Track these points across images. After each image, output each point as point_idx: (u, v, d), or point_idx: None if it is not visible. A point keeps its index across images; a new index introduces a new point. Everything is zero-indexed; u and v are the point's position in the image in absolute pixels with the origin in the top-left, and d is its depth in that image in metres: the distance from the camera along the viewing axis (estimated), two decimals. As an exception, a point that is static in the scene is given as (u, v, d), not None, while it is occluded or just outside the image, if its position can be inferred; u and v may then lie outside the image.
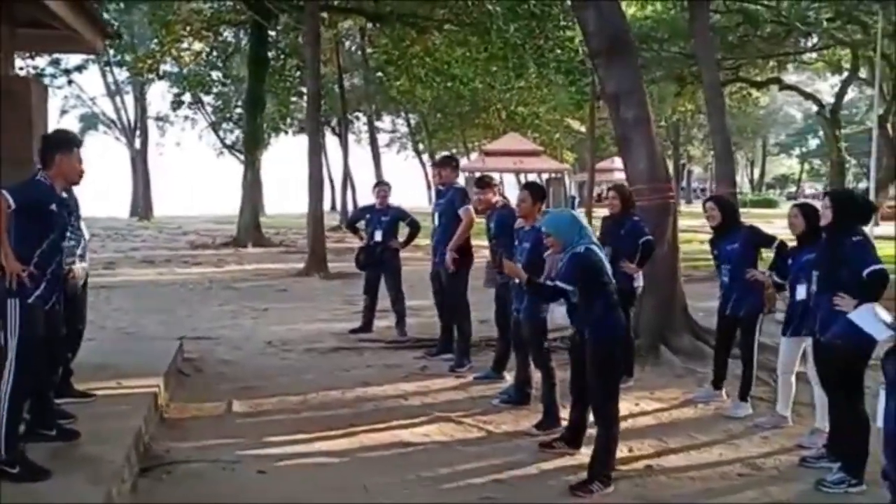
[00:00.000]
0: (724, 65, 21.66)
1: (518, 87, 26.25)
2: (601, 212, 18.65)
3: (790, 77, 32.49)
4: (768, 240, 6.23)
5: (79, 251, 5.21)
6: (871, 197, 20.99)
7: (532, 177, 47.99)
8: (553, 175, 43.98)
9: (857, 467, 4.57)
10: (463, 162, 48.44)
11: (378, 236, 9.04)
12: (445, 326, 7.94)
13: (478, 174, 7.30)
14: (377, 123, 41.28)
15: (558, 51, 18.82)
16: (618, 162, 42.59)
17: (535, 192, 6.01)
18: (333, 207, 38.79)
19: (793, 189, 67.49)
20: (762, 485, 4.79)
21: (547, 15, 18.08)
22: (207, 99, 32.56)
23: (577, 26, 16.99)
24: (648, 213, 7.71)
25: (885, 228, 25.66)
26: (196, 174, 59.04)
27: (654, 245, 6.97)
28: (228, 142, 41.23)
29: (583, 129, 36.68)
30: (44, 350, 4.25)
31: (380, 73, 29.80)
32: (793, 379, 5.72)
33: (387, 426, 5.75)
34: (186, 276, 15.10)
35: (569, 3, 16.32)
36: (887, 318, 3.19)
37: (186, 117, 39.35)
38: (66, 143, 4.39)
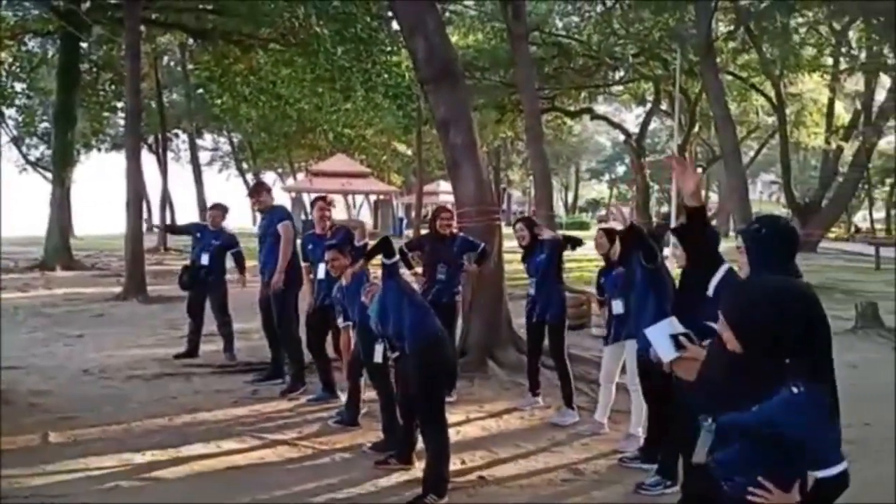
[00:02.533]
0: (541, 94, 22.85)
1: (345, 108, 26.29)
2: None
3: (600, 107, 34.77)
4: (572, 241, 6.94)
5: None
6: (672, 220, 22.88)
7: (359, 199, 48.27)
8: (381, 197, 44.44)
9: (671, 470, 4.99)
10: (289, 182, 47.87)
11: (205, 259, 8.81)
12: (275, 350, 7.85)
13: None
14: (198, 141, 39.94)
15: (385, 75, 19.07)
16: (444, 185, 43.80)
17: (342, 250, 6.19)
18: (150, 228, 37.03)
19: (603, 212, 72.00)
20: (586, 489, 5.11)
21: (374, 39, 18.31)
22: (9, 112, 30.12)
23: (403, 51, 17.42)
24: (475, 234, 8.02)
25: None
26: (-7, 192, 54.40)
27: (490, 249, 7.31)
28: (33, 158, 38.28)
29: (410, 152, 37.39)
30: None
31: (201, 90, 28.90)
32: (613, 388, 6.17)
33: (218, 451, 5.62)
34: (-13, 303, 13.87)
35: (397, 29, 16.71)
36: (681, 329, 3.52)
37: (-17, 131, 36.18)
38: None
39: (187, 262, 9.10)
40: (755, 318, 2.27)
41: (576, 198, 74.86)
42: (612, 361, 6.08)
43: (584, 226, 49.95)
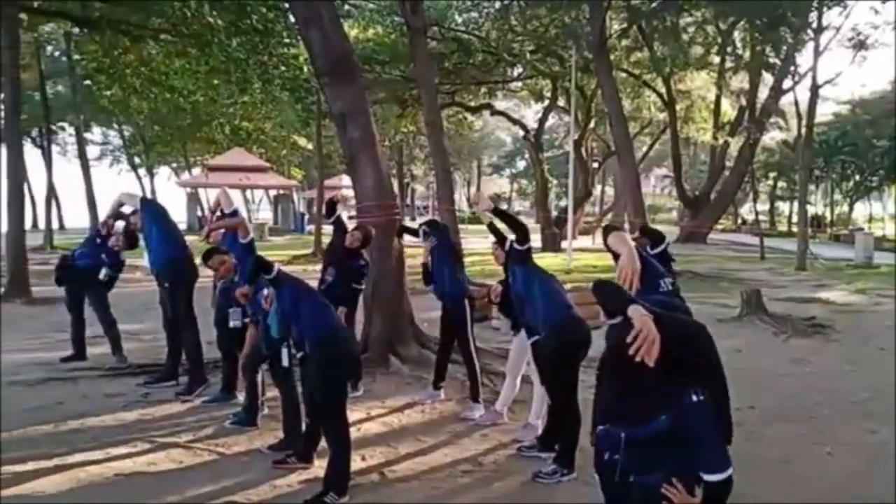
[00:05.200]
0: (441, 89, 22.92)
1: (242, 102, 25.65)
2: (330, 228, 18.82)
3: (500, 103, 35.11)
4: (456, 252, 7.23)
5: None
6: (570, 213, 23.40)
7: (259, 194, 47.34)
8: (281, 192, 43.66)
9: (568, 458, 5.09)
10: (184, 177, 46.45)
11: (83, 263, 8.44)
12: (172, 350, 7.59)
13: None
14: (86, 135, 38.19)
15: (283, 68, 18.72)
16: (346, 180, 43.36)
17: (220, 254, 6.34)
18: (35, 226, 35.34)
19: (504, 206, 73.03)
20: (485, 480, 5.15)
21: (271, 31, 17.93)
22: None
23: (301, 44, 17.15)
24: (375, 229, 7.99)
25: (584, 242, 28.71)
26: None
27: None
28: None
29: (310, 146, 36.86)
30: None
31: (89, 82, 27.64)
32: (518, 380, 6.22)
33: (107, 457, 5.39)
34: None
35: (293, 21, 16.42)
36: None
37: None
38: None
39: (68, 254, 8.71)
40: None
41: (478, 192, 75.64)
42: (518, 352, 6.12)
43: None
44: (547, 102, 29.89)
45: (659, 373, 2.29)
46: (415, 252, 9.43)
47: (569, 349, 5.15)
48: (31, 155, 33.27)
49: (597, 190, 45.86)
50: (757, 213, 34.75)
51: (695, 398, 2.37)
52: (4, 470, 5.06)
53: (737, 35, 25.47)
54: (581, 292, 8.92)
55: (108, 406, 6.74)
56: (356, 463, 5.12)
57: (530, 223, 5.87)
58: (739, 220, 47.65)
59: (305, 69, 18.09)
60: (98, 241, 8.39)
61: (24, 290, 13.87)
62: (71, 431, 6.02)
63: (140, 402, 6.91)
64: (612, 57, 21.50)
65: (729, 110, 34.18)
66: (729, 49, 26.12)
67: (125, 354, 8.45)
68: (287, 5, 16.90)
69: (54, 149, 32.66)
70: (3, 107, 19.67)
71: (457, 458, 5.54)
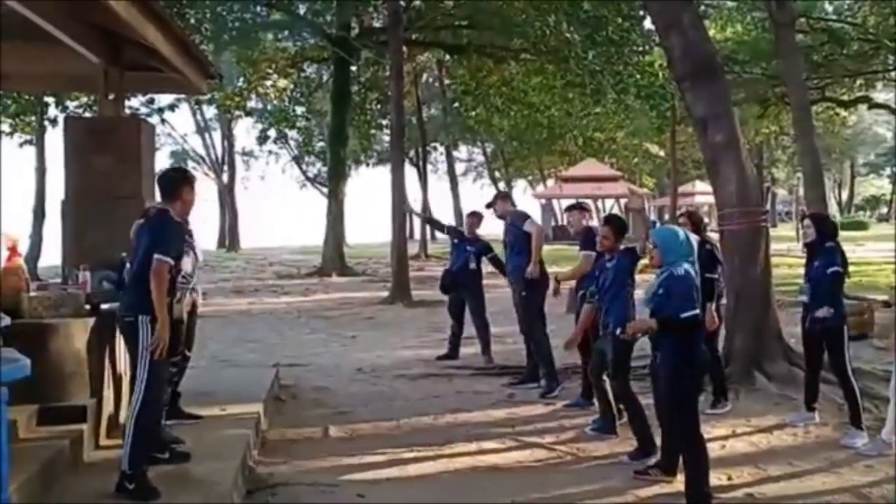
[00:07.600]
0: (809, 84, 21.11)
1: (595, 113, 26.18)
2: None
3: (879, 95, 31.39)
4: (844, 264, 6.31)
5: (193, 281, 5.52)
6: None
7: (609, 203, 47.79)
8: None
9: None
10: (539, 189, 48.46)
11: (457, 266, 9.24)
12: (531, 354, 7.95)
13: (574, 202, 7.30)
14: (454, 153, 41.71)
15: (637, 76, 18.74)
16: (699, 185, 41.92)
17: (617, 226, 6.06)
18: (411, 236, 39.30)
19: (884, 210, 64.96)
20: (871, 516, 4.64)
21: (626, 41, 18.05)
22: (291, 133, 33.44)
23: (657, 50, 17.00)
24: (738, 237, 7.63)
25: None
26: (279, 206, 60.84)
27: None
28: (311, 174, 42.28)
29: (661, 153, 36.29)
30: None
31: (457, 104, 30.19)
32: None
33: (479, 451, 5.81)
34: (275, 306, 15.54)
35: (650, 28, 16.34)
36: None
37: (271, 152, 40.41)
38: (189, 178, 4.80)
39: (447, 266, 9.59)
40: None
41: (851, 195, 68.30)
42: None
43: (861, 226, 45.46)
44: (940, 91, 26.09)
45: None
46: (779, 261, 8.83)
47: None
48: (409, 173, 37.07)
49: None
50: None
51: None
52: (396, 455, 5.69)
53: None
54: None
55: (478, 403, 7.25)
56: (722, 481, 4.92)
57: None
58: None
59: (661, 75, 17.91)
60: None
61: (405, 293, 15.53)
62: (447, 424, 6.59)
63: (506, 401, 7.35)
64: None
65: None
66: None
67: (492, 356, 9.04)
68: (643, 12, 16.92)
69: (427, 167, 36.08)
70: (389, 131, 22.25)
71: (835, 487, 5.05)
